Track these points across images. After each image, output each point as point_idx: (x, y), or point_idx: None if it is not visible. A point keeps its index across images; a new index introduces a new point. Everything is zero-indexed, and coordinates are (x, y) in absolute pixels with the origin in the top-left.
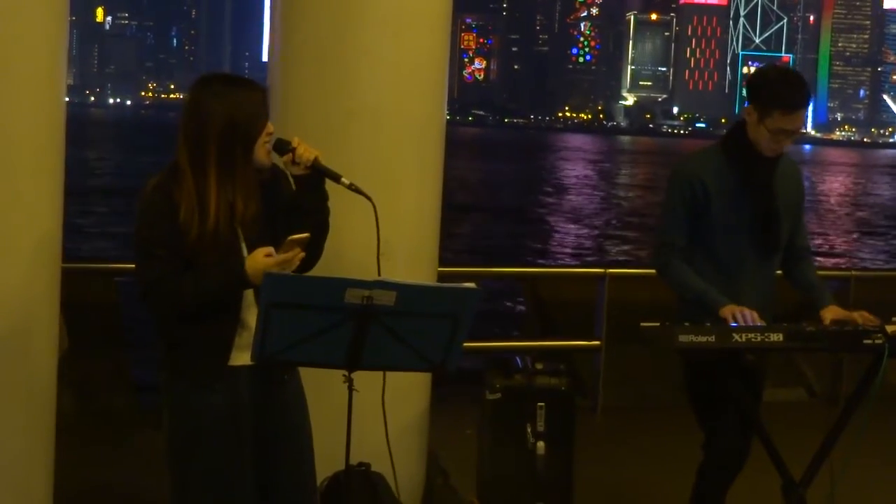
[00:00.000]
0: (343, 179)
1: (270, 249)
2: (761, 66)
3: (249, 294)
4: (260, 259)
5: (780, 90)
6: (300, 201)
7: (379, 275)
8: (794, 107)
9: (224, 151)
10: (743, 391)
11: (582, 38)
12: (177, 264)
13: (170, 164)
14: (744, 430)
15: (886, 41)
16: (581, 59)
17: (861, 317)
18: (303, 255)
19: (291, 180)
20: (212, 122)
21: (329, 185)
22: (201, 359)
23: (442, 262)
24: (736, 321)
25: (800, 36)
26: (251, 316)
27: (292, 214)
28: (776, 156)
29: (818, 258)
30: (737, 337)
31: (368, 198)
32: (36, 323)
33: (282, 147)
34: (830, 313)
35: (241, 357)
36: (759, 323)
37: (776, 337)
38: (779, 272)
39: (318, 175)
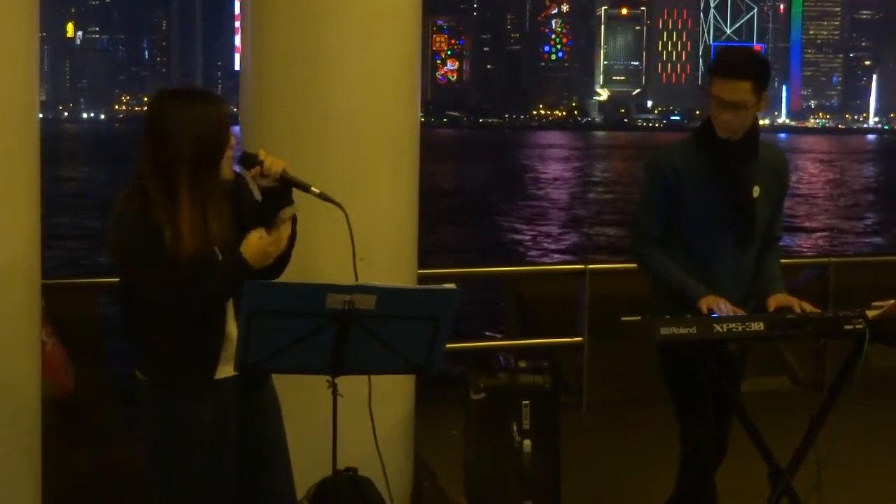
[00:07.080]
0: (313, 189)
1: (262, 231)
2: None
3: (231, 306)
4: (254, 241)
5: (720, 57)
6: (270, 213)
7: (356, 280)
8: (730, 72)
9: (194, 171)
10: (723, 382)
11: (553, 36)
12: (170, 274)
13: (136, 182)
14: (719, 424)
15: (857, 27)
16: (553, 57)
17: (799, 305)
18: (290, 231)
19: (255, 188)
20: (179, 143)
21: (300, 193)
22: (188, 373)
23: (421, 264)
24: (714, 312)
25: (770, 25)
26: (234, 328)
27: (262, 226)
28: (730, 137)
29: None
30: (718, 327)
31: (339, 205)
32: (16, 339)
33: (249, 161)
34: (775, 301)
35: (226, 370)
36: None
37: (757, 326)
38: None
39: (285, 186)
